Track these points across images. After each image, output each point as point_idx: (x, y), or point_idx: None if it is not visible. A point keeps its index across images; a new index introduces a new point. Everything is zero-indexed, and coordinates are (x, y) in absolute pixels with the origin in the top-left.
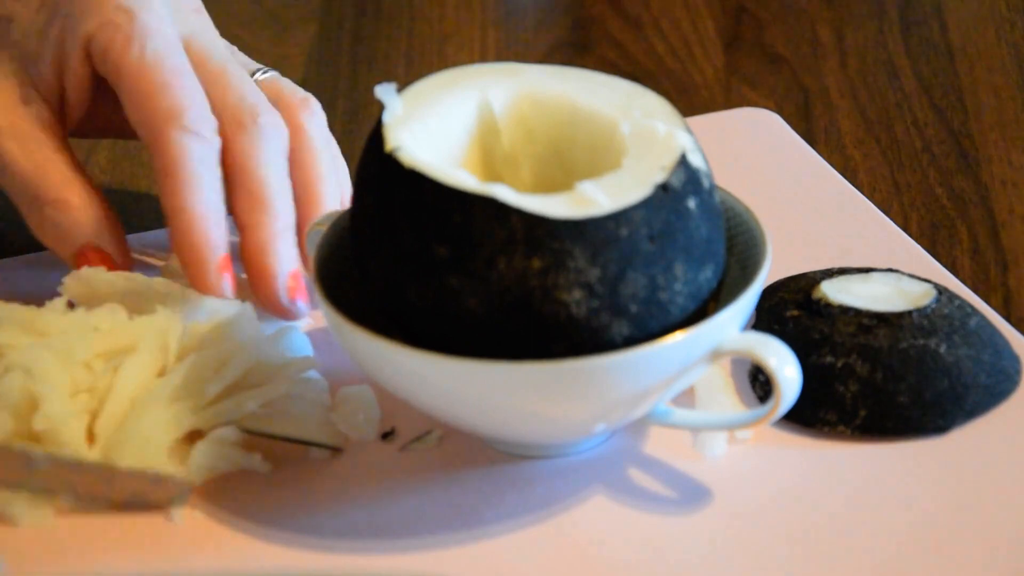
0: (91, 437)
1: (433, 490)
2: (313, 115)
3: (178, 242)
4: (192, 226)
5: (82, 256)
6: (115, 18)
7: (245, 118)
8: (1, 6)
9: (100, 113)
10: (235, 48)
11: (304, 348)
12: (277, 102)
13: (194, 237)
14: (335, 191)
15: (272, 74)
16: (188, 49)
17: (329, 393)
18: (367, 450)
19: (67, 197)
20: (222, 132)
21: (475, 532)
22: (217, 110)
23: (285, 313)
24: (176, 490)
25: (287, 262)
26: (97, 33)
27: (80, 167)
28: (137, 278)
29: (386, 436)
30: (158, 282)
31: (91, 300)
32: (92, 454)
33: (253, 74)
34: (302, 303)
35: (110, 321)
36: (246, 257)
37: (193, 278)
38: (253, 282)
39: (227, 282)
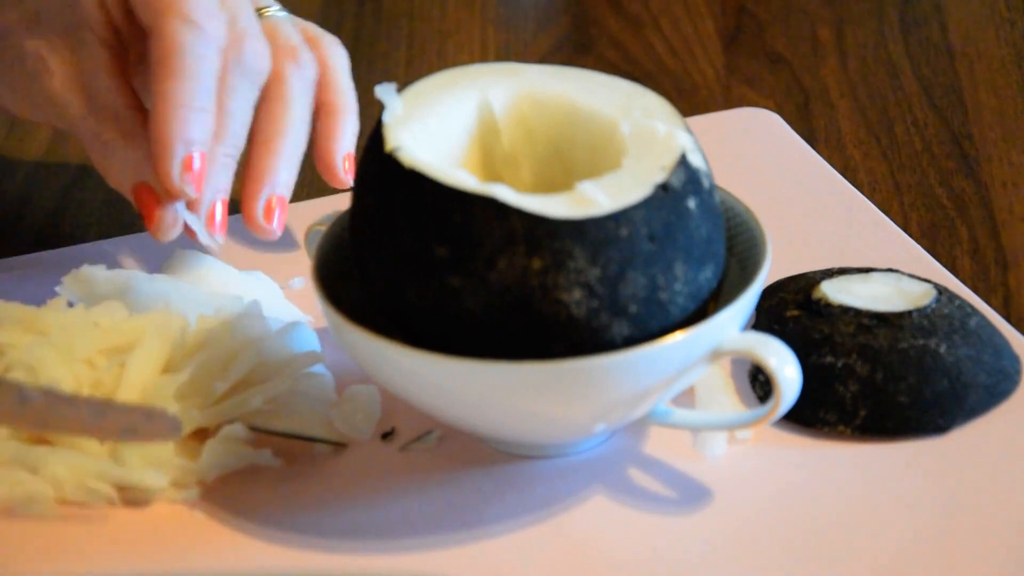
0: None
1: (433, 490)
2: (298, 68)
3: (151, 130)
4: (167, 114)
5: (136, 193)
6: None
7: (293, 53)
8: None
9: None
10: None
11: (311, 343)
12: (272, 45)
13: (166, 125)
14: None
15: (283, 15)
16: None
17: (336, 390)
18: (367, 450)
19: (113, 137)
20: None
21: (475, 532)
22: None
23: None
24: (167, 428)
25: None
26: None
27: (139, 105)
28: (139, 276)
29: (386, 436)
30: (160, 279)
31: (91, 299)
32: (101, 449)
33: (261, 10)
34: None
35: (110, 318)
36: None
37: (155, 170)
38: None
39: (189, 183)
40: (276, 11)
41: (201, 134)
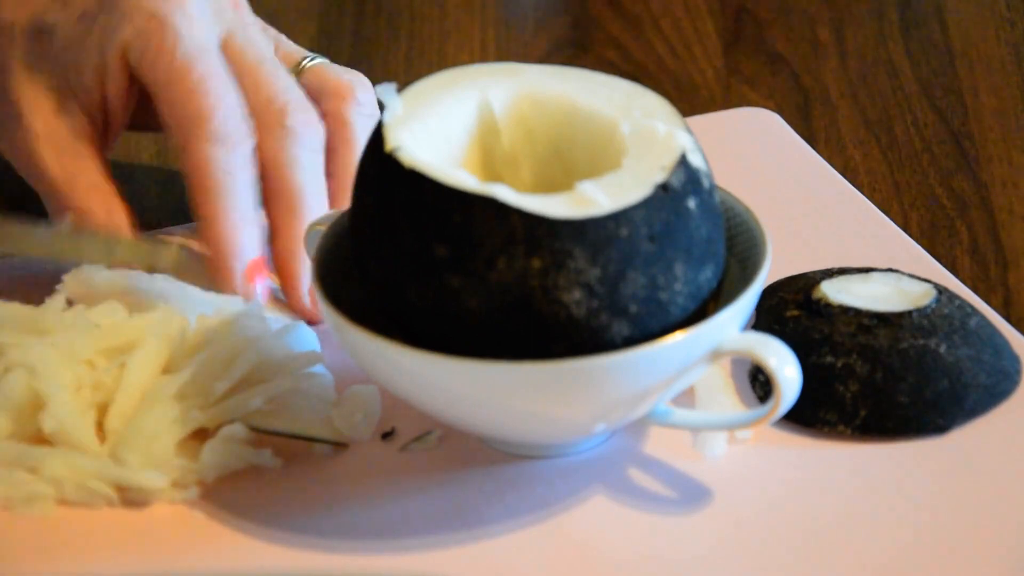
0: (101, 433)
1: (433, 490)
2: (357, 104)
3: (208, 251)
4: (216, 235)
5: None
6: (148, 24)
7: (273, 119)
8: (43, 17)
9: (149, 112)
10: (283, 37)
11: (311, 343)
12: (321, 91)
13: (219, 246)
14: None
15: (320, 61)
16: (226, 48)
17: (336, 390)
18: (367, 450)
19: (90, 206)
20: (256, 132)
21: (475, 532)
22: (250, 109)
23: (314, 318)
24: (171, 258)
25: None
26: (133, 41)
27: (109, 177)
28: (139, 276)
29: (386, 436)
30: (160, 278)
31: (90, 299)
32: (103, 449)
33: (301, 63)
34: None
35: (110, 318)
36: (276, 261)
37: (220, 286)
38: (283, 286)
39: (259, 287)
40: (311, 62)
41: (251, 244)
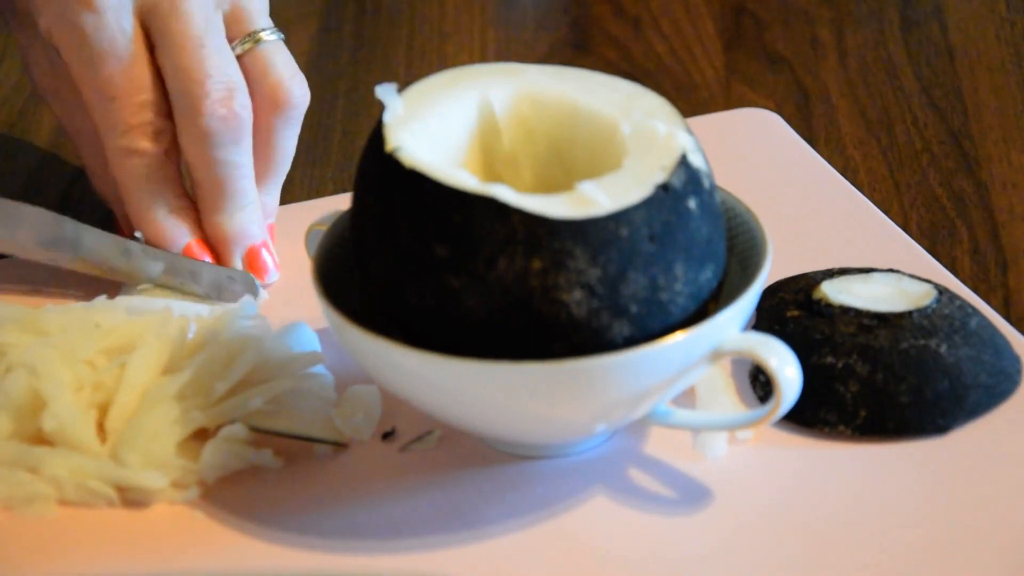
0: (102, 433)
1: (433, 490)
2: (285, 118)
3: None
4: (143, 228)
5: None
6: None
7: (188, 116)
8: None
9: None
10: None
11: (311, 343)
12: (257, 88)
13: (150, 239)
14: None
15: (272, 43)
16: (149, 15)
17: (336, 390)
18: (367, 450)
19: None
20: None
21: (475, 532)
22: (169, 93)
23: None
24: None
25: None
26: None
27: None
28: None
29: (386, 436)
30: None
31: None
32: (103, 449)
33: (255, 34)
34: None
35: (111, 318)
36: (210, 244)
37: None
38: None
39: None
40: (268, 37)
41: (180, 232)
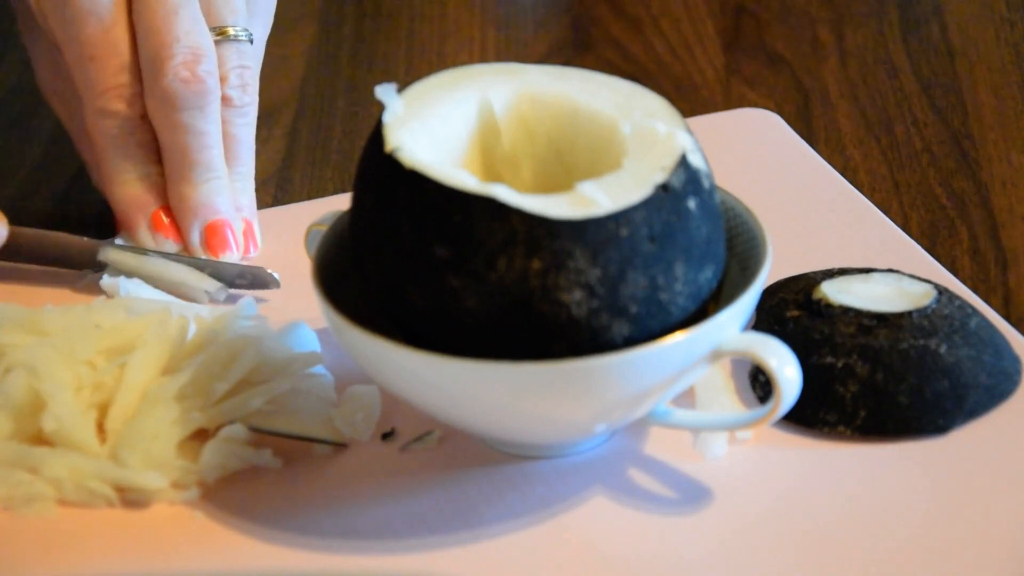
0: (102, 434)
1: (433, 490)
2: (243, 119)
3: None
4: (110, 195)
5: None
6: None
7: (154, 76)
8: None
9: None
10: None
11: (311, 343)
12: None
13: (116, 205)
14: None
15: (238, 45)
16: None
17: (336, 390)
18: (367, 450)
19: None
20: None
21: (475, 532)
22: (140, 56)
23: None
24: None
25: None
26: None
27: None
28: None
29: (386, 436)
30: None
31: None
32: (103, 450)
33: (224, 29)
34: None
35: (111, 319)
36: (172, 210)
37: (130, 237)
38: (178, 235)
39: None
40: (235, 34)
41: (146, 199)
